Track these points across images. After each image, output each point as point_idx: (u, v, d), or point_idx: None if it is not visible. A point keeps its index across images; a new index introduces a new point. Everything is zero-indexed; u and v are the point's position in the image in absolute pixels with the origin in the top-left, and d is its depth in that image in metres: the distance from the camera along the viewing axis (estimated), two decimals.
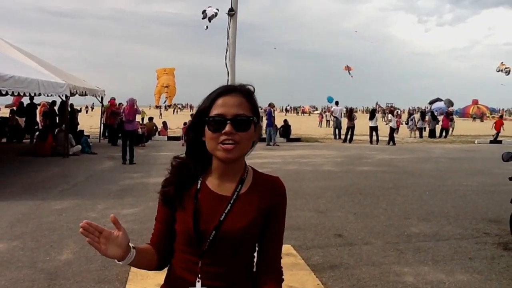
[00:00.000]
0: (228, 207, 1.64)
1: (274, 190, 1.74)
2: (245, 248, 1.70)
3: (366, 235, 6.91)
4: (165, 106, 44.58)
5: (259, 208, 1.68)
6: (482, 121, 59.86)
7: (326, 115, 42.19)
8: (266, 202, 1.69)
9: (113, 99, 22.42)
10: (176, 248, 1.72)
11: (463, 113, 62.00)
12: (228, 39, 4.95)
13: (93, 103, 60.54)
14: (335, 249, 6.25)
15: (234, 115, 1.59)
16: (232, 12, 4.90)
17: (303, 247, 6.24)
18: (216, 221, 1.62)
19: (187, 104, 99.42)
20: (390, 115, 24.94)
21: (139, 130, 19.61)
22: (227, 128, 1.56)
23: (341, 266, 5.62)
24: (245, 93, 1.67)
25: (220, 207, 1.64)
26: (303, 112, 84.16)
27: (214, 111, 1.60)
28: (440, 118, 31.57)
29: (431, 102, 57.00)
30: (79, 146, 16.64)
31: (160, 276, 1.88)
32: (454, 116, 34.18)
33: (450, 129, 30.56)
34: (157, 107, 38.34)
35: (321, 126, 40.60)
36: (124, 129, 14.69)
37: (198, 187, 1.68)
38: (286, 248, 6.01)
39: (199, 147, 1.67)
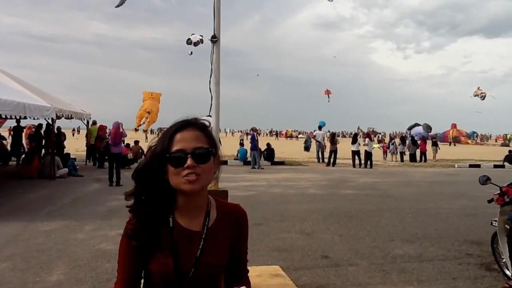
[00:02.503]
0: (202, 243, 1.68)
1: (237, 218, 1.81)
2: (219, 278, 1.77)
3: (352, 257, 7.03)
4: (144, 130, 44.72)
5: (227, 239, 1.75)
6: (455, 144, 60.36)
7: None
8: (232, 231, 1.78)
9: (102, 125, 22.44)
10: None
11: (442, 138, 62.66)
12: (212, 64, 5.02)
13: (79, 126, 60.34)
14: (322, 270, 6.36)
15: (194, 149, 1.62)
16: (215, 39, 4.98)
17: (291, 268, 6.34)
18: (193, 259, 1.65)
19: None
20: (367, 139, 25.26)
21: (129, 155, 19.66)
22: (189, 162, 1.59)
23: (328, 287, 5.73)
24: (201, 127, 1.70)
25: (194, 244, 1.67)
26: (291, 136, 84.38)
27: (174, 148, 1.63)
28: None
29: (410, 128, 57.54)
30: (66, 169, 16.64)
31: None
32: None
33: (433, 154, 30.94)
34: (136, 130, 38.28)
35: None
36: (110, 151, 14.89)
37: (171, 225, 1.68)
38: (274, 269, 6.10)
39: (161, 185, 1.66)
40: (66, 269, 6.09)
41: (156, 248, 1.63)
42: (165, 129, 1.75)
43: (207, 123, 1.76)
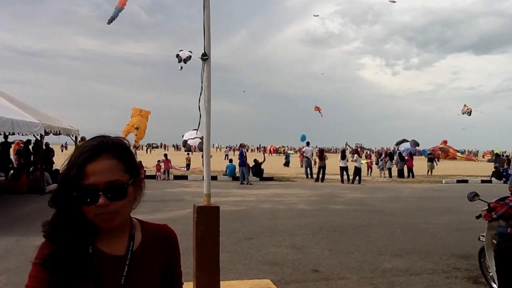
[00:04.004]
0: (126, 269, 1.50)
1: (166, 239, 1.65)
2: None
3: (341, 271, 7.10)
4: (133, 146, 44.71)
5: (155, 262, 1.58)
6: (438, 159, 60.11)
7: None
8: (161, 253, 1.62)
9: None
10: None
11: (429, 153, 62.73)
12: (202, 82, 5.01)
13: (66, 142, 59.75)
14: (313, 284, 6.41)
15: (106, 184, 1.41)
16: (205, 57, 4.96)
17: (281, 281, 6.39)
18: (117, 287, 1.47)
19: (161, 144, 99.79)
20: (356, 155, 25.47)
21: None
22: (101, 200, 1.39)
23: None
24: (116, 153, 1.48)
25: (117, 270, 1.49)
26: (284, 152, 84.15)
27: (83, 181, 1.40)
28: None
29: (398, 143, 57.90)
30: (55, 185, 16.47)
31: None
32: (423, 156, 34.84)
33: (427, 169, 31.22)
34: None
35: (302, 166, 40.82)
36: None
37: (91, 251, 1.46)
38: (265, 282, 6.17)
39: (78, 211, 1.44)
40: None
41: (77, 279, 1.40)
42: (81, 147, 1.51)
43: (126, 142, 1.56)
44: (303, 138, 36.15)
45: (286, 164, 39.29)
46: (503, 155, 39.03)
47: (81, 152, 1.45)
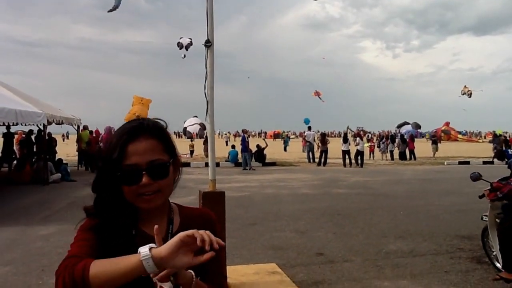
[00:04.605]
0: None
1: (205, 222, 1.63)
2: None
3: (346, 253, 7.16)
4: None
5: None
6: (440, 142, 59.68)
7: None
8: None
9: (98, 130, 22.95)
10: None
11: (431, 136, 62.54)
12: (206, 69, 5.00)
13: (67, 131, 59.85)
14: (318, 267, 6.48)
15: (149, 163, 1.45)
16: (208, 44, 4.95)
17: (287, 265, 6.45)
18: None
19: None
20: (358, 138, 25.47)
21: None
22: (144, 179, 1.43)
23: (324, 282, 5.86)
24: (155, 133, 1.51)
25: None
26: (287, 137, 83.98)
27: (126, 161, 1.44)
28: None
29: (399, 126, 57.66)
30: (59, 174, 16.65)
31: None
32: (424, 138, 34.85)
33: (433, 152, 31.24)
34: None
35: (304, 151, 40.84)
36: None
37: (134, 232, 1.50)
38: (271, 266, 6.23)
39: (120, 193, 1.48)
40: None
41: (117, 247, 1.41)
42: (120, 129, 1.53)
43: (163, 124, 1.59)
44: (306, 121, 36.17)
45: (285, 149, 39.48)
46: (500, 136, 38.84)
47: (121, 134, 1.49)
